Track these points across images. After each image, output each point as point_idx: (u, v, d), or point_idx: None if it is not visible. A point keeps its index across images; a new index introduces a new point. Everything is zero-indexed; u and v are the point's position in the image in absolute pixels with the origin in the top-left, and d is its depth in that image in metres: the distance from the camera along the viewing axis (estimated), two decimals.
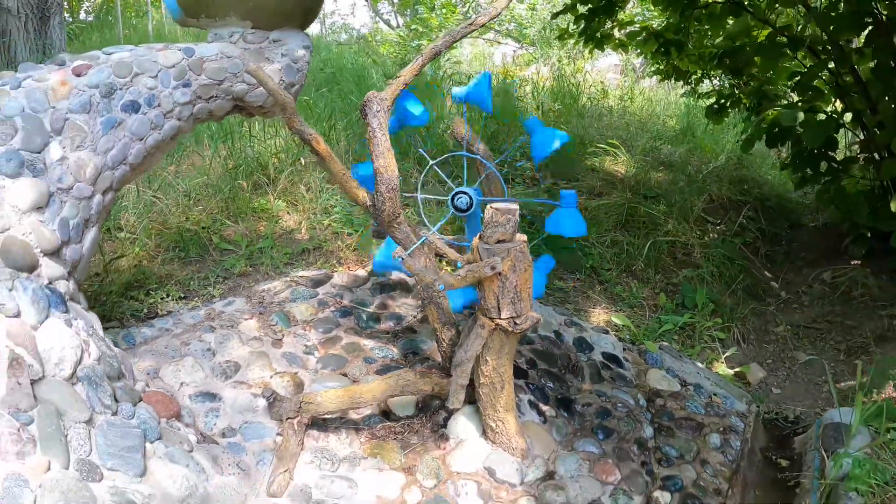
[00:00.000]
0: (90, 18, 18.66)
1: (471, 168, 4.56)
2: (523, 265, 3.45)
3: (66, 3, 19.00)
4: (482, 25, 4.03)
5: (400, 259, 3.66)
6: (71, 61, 3.95)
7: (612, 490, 3.85)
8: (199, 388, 4.12)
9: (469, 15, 18.86)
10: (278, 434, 3.85)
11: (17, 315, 3.05)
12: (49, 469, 2.78)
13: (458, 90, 4.54)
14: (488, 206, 3.44)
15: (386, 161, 3.70)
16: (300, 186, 6.77)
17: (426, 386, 3.92)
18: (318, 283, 5.37)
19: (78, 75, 3.83)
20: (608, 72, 17.47)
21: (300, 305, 5.05)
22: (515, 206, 3.45)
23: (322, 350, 4.66)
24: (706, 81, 10.13)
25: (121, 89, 3.94)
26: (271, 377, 4.30)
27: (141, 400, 3.47)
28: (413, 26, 15.41)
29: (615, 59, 18.20)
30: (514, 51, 22.40)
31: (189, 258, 5.73)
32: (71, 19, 18.35)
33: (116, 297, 5.07)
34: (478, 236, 3.53)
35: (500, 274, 3.41)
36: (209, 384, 4.18)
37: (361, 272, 5.56)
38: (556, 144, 4.32)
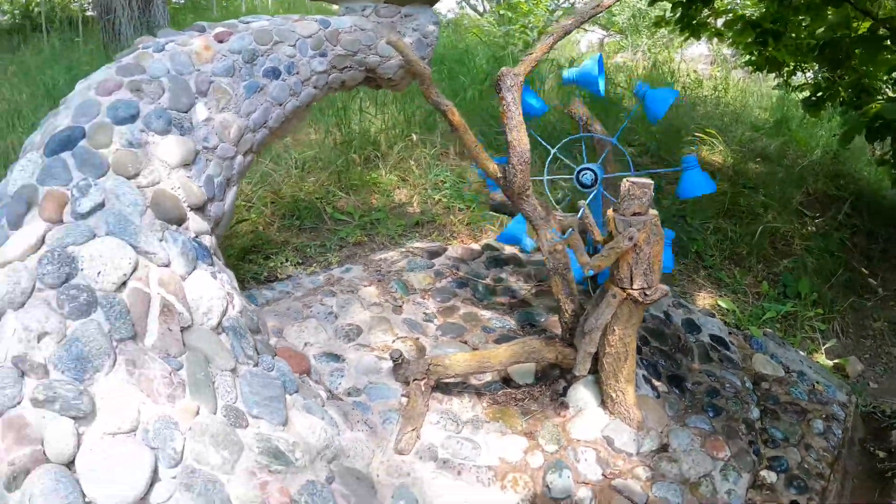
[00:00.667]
0: (182, 1, 18.90)
1: (588, 149, 4.55)
2: (656, 238, 3.43)
3: None
4: (609, 6, 3.98)
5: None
6: (210, 28, 4.00)
7: (723, 466, 3.81)
8: (324, 349, 4.16)
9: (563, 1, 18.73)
10: (403, 395, 3.86)
11: (168, 265, 3.09)
12: (198, 413, 2.82)
13: (568, 72, 4.52)
14: (625, 180, 3.41)
15: (519, 134, 3.71)
16: (410, 162, 6.77)
17: (550, 354, 3.91)
18: (433, 254, 5.38)
19: (220, 41, 3.89)
20: (698, 62, 17.25)
21: (418, 275, 5.06)
22: (650, 181, 3.42)
23: (441, 318, 4.67)
24: (799, 73, 9.90)
25: (262, 56, 4.01)
26: (393, 341, 4.32)
27: (276, 355, 3.49)
28: (502, 11, 15.27)
29: (704, 49, 17.98)
30: (602, 38, 22.17)
31: (304, 226, 5.77)
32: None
33: (236, 260, 5.12)
34: (611, 209, 3.50)
35: (635, 245, 3.39)
36: (333, 345, 4.21)
37: (475, 246, 5.56)
38: (671, 100, 4.34)
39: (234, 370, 3.08)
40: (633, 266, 3.45)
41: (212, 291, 3.17)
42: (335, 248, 5.46)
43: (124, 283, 2.91)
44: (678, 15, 8.40)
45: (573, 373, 3.84)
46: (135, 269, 2.96)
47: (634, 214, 3.42)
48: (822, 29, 7.96)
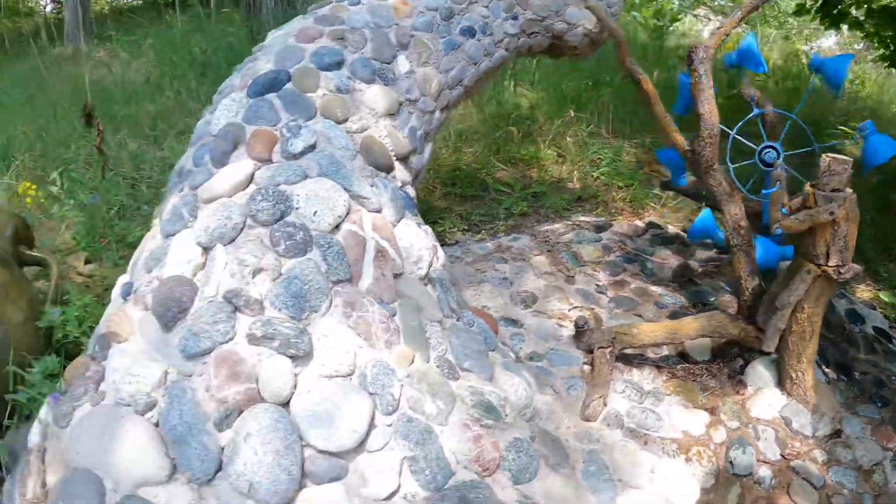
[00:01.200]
0: None
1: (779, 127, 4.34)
2: (854, 215, 3.25)
3: None
4: None
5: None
6: None
7: (892, 456, 3.58)
8: (502, 314, 4.04)
9: None
10: (584, 363, 3.72)
11: (379, 210, 2.97)
12: (413, 361, 2.67)
13: (728, 55, 4.36)
14: (824, 156, 3.24)
15: (710, 107, 3.59)
16: (567, 139, 6.59)
17: (735, 330, 3.72)
18: (599, 228, 5.20)
19: None
20: (827, 54, 16.66)
21: (587, 247, 4.88)
22: (849, 158, 3.24)
23: (612, 291, 4.49)
24: None
25: (458, 14, 3.94)
26: (569, 310, 4.18)
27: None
28: None
29: (832, 42, 17.39)
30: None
31: (465, 195, 5.63)
32: None
33: None
34: (809, 184, 3.32)
35: (834, 221, 3.21)
36: (510, 310, 4.10)
37: (639, 223, 5.35)
38: (848, 63, 4.15)
39: (441, 322, 2.92)
40: (830, 242, 3.28)
41: (420, 241, 3.04)
42: (501, 218, 5.31)
43: (338, 226, 2.78)
44: (819, 2, 8.03)
45: (755, 350, 3.72)
46: (348, 213, 2.83)
47: (834, 190, 3.24)
48: None
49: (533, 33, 4.28)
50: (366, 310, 2.63)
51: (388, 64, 3.51)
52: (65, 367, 3.14)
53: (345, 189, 2.86)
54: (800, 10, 8.70)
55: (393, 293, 2.79)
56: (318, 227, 2.71)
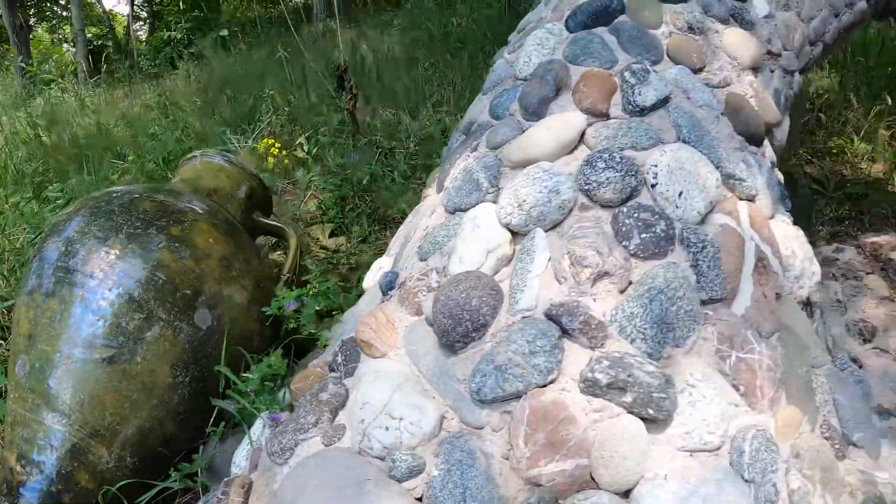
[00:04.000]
0: None
1: None
2: None
3: None
4: None
5: None
6: None
7: None
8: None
9: None
10: None
11: (753, 199, 1.95)
12: (800, 431, 1.65)
13: None
14: None
15: None
16: (881, 132, 5.35)
17: None
18: None
19: None
20: None
21: None
22: None
23: None
24: None
25: None
26: None
27: None
28: None
29: None
30: None
31: None
32: None
33: None
34: None
35: None
36: (846, 345, 3.03)
37: None
38: None
39: (825, 369, 1.87)
40: None
41: (804, 247, 2.03)
42: (820, 222, 4.22)
43: (707, 216, 1.79)
44: None
45: None
46: (720, 198, 1.83)
47: None
48: None
49: None
50: (751, 348, 1.62)
51: (744, 2, 2.51)
52: (293, 369, 2.37)
53: (713, 164, 1.86)
54: None
55: (775, 322, 1.76)
56: (683, 217, 1.74)
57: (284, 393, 2.13)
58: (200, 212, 2.58)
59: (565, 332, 1.56)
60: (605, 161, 1.76)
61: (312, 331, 2.43)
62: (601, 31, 2.18)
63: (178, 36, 13.38)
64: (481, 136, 2.11)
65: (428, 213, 2.11)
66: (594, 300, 1.58)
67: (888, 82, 5.86)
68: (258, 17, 11.93)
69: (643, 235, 1.66)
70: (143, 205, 2.45)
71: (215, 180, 2.89)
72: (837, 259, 3.72)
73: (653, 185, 1.75)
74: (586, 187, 1.75)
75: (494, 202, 1.85)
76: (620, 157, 1.77)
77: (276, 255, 3.79)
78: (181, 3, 15.63)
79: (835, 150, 5.11)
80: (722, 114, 2.06)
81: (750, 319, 1.71)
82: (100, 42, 16.12)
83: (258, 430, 2.06)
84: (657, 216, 1.68)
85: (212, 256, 2.45)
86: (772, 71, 2.47)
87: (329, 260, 3.81)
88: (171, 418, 2.27)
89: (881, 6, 3.34)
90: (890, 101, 5.38)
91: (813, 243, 3.77)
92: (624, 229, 1.67)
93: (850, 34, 3.30)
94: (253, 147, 4.95)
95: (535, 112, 2.00)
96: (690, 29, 2.23)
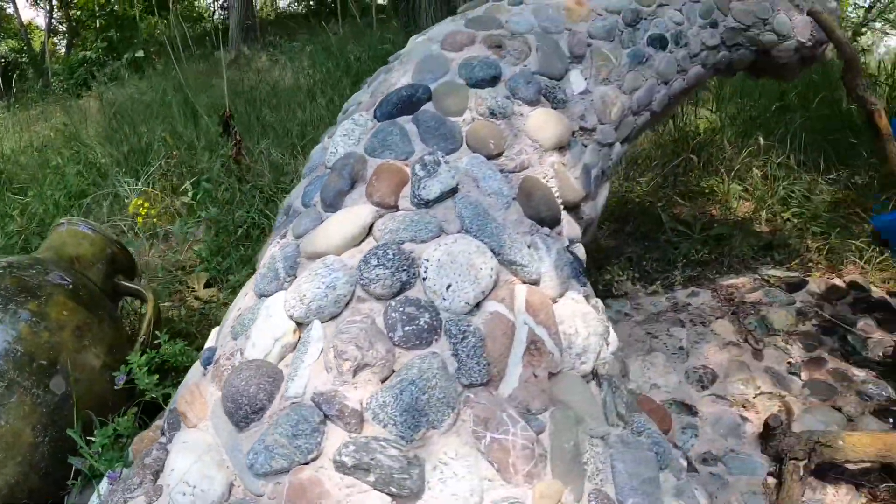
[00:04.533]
0: None
1: None
2: None
3: None
4: None
5: None
6: None
7: None
8: (672, 395, 3.26)
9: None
10: (769, 473, 2.91)
11: (537, 282, 2.15)
12: (560, 502, 1.83)
13: None
14: None
15: None
16: (753, 170, 5.63)
17: None
18: (793, 287, 4.26)
19: None
20: None
21: (777, 311, 3.97)
22: None
23: (806, 372, 3.58)
24: None
25: (645, 19, 3.10)
26: (755, 396, 3.34)
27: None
28: None
29: None
30: None
31: (638, 233, 4.79)
32: None
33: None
34: None
35: None
36: (684, 392, 3.30)
37: (838, 282, 4.39)
38: None
39: (604, 437, 2.06)
40: None
41: (590, 324, 2.19)
42: (677, 266, 4.44)
43: (478, 304, 1.98)
44: None
45: None
46: (495, 286, 2.03)
47: None
48: None
49: (735, 46, 3.44)
50: (505, 429, 1.81)
51: (558, 81, 2.70)
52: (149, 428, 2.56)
53: (493, 252, 2.06)
54: None
55: (546, 399, 1.95)
56: (450, 308, 1.91)
57: (128, 453, 2.31)
58: (58, 284, 2.91)
59: (327, 418, 1.74)
60: (377, 258, 1.93)
61: (153, 395, 2.65)
62: (404, 120, 2.35)
63: (94, 56, 13.44)
64: (290, 223, 2.30)
65: (245, 293, 2.29)
66: (355, 388, 1.76)
67: (762, 123, 6.18)
68: (174, 38, 12.09)
69: (406, 328, 1.83)
70: (4, 281, 2.81)
71: (78, 248, 3.24)
72: (690, 304, 3.95)
73: (424, 279, 1.92)
74: (362, 282, 1.92)
75: (287, 291, 2.03)
76: (394, 253, 1.94)
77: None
78: (98, 22, 15.68)
79: (707, 190, 5.37)
80: (514, 199, 2.25)
81: (517, 399, 1.89)
82: (16, 57, 16.09)
83: (104, 488, 2.24)
84: (423, 309, 1.86)
85: (66, 328, 2.80)
86: (584, 146, 2.66)
87: (201, 310, 3.98)
88: (35, 473, 2.60)
89: (724, 67, 3.56)
90: (762, 140, 5.67)
91: (670, 287, 4.03)
92: (391, 322, 1.84)
93: (690, 94, 3.52)
94: (145, 192, 5.11)
95: (332, 204, 2.17)
96: (492, 114, 2.40)
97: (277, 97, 7.56)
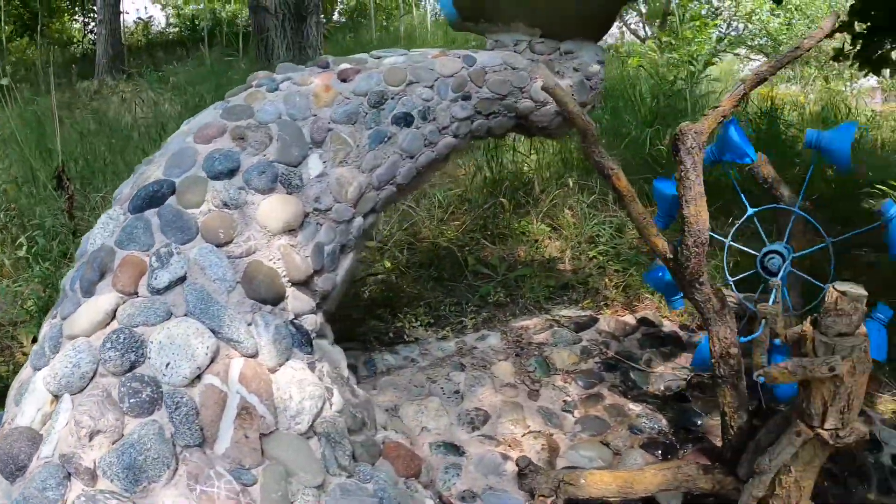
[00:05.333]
0: (342, 20, 19.57)
1: (783, 220, 3.99)
2: (863, 367, 2.84)
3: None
4: (808, 50, 3.49)
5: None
6: (336, 64, 3.72)
7: None
8: (442, 437, 3.85)
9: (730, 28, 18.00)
10: None
11: (255, 355, 2.83)
12: None
13: (813, 134, 3.94)
14: (830, 288, 2.83)
15: (697, 209, 3.19)
16: (565, 211, 6.38)
17: (707, 484, 3.40)
18: (582, 326, 4.99)
19: (344, 80, 3.62)
20: (868, 96, 16.35)
21: (562, 351, 4.68)
22: (864, 292, 2.81)
23: (582, 409, 4.25)
24: None
25: (392, 99, 3.69)
26: (523, 435, 3.96)
27: (381, 455, 3.17)
28: (665, 38, 14.85)
29: (874, 82, 17.11)
30: None
31: (441, 278, 5.46)
32: (325, 20, 19.41)
33: (363, 313, 4.86)
34: (808, 321, 2.93)
35: (835, 376, 2.82)
36: (453, 434, 3.90)
37: (630, 319, 5.12)
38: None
39: (321, 486, 2.76)
40: (828, 401, 2.89)
41: (305, 389, 2.88)
42: (473, 309, 5.12)
43: (198, 377, 2.67)
44: (858, 48, 7.79)
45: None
46: (213, 361, 2.72)
47: (840, 335, 2.84)
48: None
49: (492, 114, 4.03)
50: (211, 483, 2.50)
51: (296, 167, 3.33)
52: None
53: (212, 331, 2.76)
54: (837, 56, 8.47)
55: (258, 457, 2.66)
56: (170, 381, 2.61)
57: None
58: None
59: (70, 474, 2.40)
60: (111, 341, 2.62)
61: None
62: (151, 213, 3.02)
63: None
64: (60, 304, 2.93)
65: (25, 365, 2.91)
66: (91, 450, 2.43)
67: (579, 162, 6.92)
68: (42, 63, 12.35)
69: (132, 400, 2.51)
70: None
71: None
72: (476, 347, 4.61)
73: (149, 358, 2.61)
74: (102, 361, 2.59)
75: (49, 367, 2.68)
76: (125, 337, 2.63)
77: None
78: None
79: (518, 232, 6.07)
80: (238, 283, 2.94)
81: (230, 457, 2.60)
82: None
83: None
84: (146, 384, 2.55)
85: None
86: (319, 225, 3.33)
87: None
88: None
89: (483, 134, 4.12)
90: (571, 183, 6.40)
91: (462, 331, 4.69)
92: (121, 395, 2.53)
93: (446, 161, 4.13)
94: None
95: (87, 291, 2.83)
96: (226, 205, 3.07)
97: (127, 135, 7.96)
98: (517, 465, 3.58)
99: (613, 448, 3.97)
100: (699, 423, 4.19)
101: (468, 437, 3.90)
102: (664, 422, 4.19)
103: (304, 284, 3.22)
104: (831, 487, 3.82)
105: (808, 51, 3.53)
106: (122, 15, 14.71)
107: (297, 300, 3.15)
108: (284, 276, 3.10)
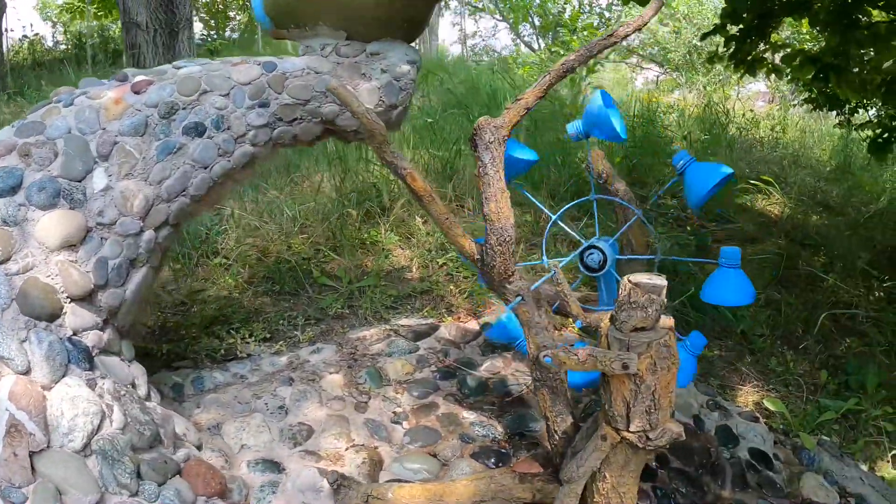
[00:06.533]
0: (234, 36, 19.58)
1: (608, 213, 3.90)
2: (667, 364, 2.68)
3: (211, 21, 20.19)
4: (623, 38, 3.40)
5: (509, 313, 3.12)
6: (133, 76, 3.62)
7: None
8: (261, 454, 3.76)
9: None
10: None
11: (27, 372, 2.75)
12: None
13: (573, 125, 3.85)
14: (625, 280, 2.67)
15: (498, 206, 3.10)
16: (416, 218, 6.34)
17: (525, 493, 3.32)
18: (420, 335, 4.93)
19: (137, 92, 3.52)
20: (756, 99, 16.83)
21: (396, 362, 4.62)
22: (663, 282, 2.65)
23: (413, 420, 4.19)
24: (860, 111, 9.23)
25: (184, 109, 3.58)
26: (346, 449, 3.87)
27: (179, 473, 3.07)
28: (554, 49, 15.05)
29: (762, 86, 17.60)
30: (658, 76, 22.04)
31: (283, 292, 5.38)
32: (216, 36, 19.40)
33: (197, 330, 4.75)
34: (608, 317, 2.83)
35: (634, 375, 2.67)
36: (273, 450, 3.81)
37: (472, 325, 5.08)
38: (716, 182, 3.38)
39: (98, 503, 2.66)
40: (630, 402, 2.75)
41: (79, 406, 2.80)
42: (310, 322, 5.06)
43: None
44: (732, 50, 7.88)
45: None
46: None
47: (636, 330, 2.71)
48: (889, 63, 7.30)
49: (295, 120, 3.91)
50: None
51: (80, 182, 3.25)
52: None
53: None
54: (711, 59, 8.57)
55: (27, 475, 2.58)
56: None
57: None
58: None
59: None
60: None
61: None
62: None
63: None
64: None
65: None
66: None
67: (441, 169, 6.89)
68: None
69: None
70: None
71: None
72: (309, 361, 4.52)
73: None
74: None
75: None
76: None
77: None
78: None
79: (369, 242, 6.02)
80: (13, 300, 2.83)
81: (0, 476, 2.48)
82: None
83: None
84: None
85: None
86: (103, 240, 3.26)
87: None
88: None
89: (288, 141, 3.96)
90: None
91: (296, 345, 4.59)
92: None
93: (250, 170, 4.01)
94: None
95: None
96: (5, 222, 3.01)
97: None
98: (328, 479, 3.50)
99: (442, 458, 3.91)
100: (536, 428, 4.14)
101: (289, 454, 3.81)
102: (499, 429, 4.15)
103: (85, 300, 3.14)
104: (682, 486, 3.80)
105: (623, 38, 3.43)
106: (5, 33, 14.43)
107: (76, 316, 3.07)
108: (62, 292, 3.03)
